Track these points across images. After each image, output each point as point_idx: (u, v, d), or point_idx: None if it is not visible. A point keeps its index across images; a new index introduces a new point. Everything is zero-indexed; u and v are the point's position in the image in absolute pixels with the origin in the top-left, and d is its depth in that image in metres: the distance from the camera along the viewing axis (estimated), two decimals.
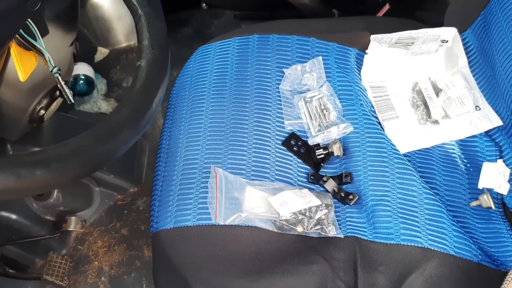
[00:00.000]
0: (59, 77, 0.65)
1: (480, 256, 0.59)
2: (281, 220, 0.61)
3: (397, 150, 0.67)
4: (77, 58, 0.83)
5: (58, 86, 0.66)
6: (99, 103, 1.27)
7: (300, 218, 0.62)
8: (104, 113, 1.25)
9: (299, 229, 0.61)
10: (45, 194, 0.99)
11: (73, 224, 1.05)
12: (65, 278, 1.00)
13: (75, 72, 1.20)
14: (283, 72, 0.76)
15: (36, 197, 0.98)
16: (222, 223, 0.60)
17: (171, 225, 0.64)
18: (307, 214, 0.62)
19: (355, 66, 0.75)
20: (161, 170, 0.71)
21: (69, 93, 0.71)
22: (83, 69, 1.24)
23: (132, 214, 1.10)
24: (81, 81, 1.22)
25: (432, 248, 0.59)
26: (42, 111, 0.70)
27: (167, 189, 0.68)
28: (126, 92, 0.53)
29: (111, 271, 1.05)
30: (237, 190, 0.62)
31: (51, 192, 0.99)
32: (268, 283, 0.57)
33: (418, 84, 0.73)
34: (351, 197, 0.65)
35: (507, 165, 0.67)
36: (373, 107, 0.73)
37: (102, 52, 1.34)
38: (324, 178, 0.67)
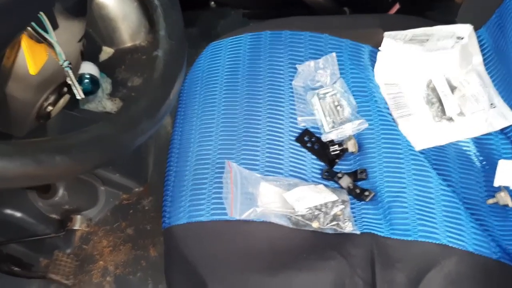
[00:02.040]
0: (70, 71, 0.65)
1: (499, 254, 0.58)
2: (296, 215, 0.60)
3: (412, 147, 0.67)
4: (84, 56, 0.83)
5: (68, 80, 0.65)
6: (104, 103, 1.26)
7: (316, 213, 0.61)
8: (109, 112, 1.25)
9: (315, 224, 0.60)
10: (50, 192, 0.98)
11: (78, 223, 1.04)
12: (71, 277, 0.99)
13: (80, 71, 1.20)
14: (296, 68, 0.75)
15: (41, 195, 0.97)
16: (238, 218, 0.59)
17: (184, 221, 0.63)
18: (323, 209, 0.61)
19: (369, 63, 0.75)
20: (173, 165, 0.71)
21: (78, 87, 0.70)
22: (88, 68, 1.24)
23: (138, 213, 1.09)
24: (86, 80, 1.22)
25: (450, 245, 0.58)
26: (50, 107, 0.70)
27: (179, 184, 0.67)
28: (144, 82, 0.53)
29: (116, 271, 1.04)
30: (251, 185, 0.61)
31: (57, 190, 0.98)
32: (286, 279, 0.57)
33: (432, 82, 0.72)
34: (366, 193, 0.64)
35: None
36: (387, 104, 0.72)
37: (107, 52, 1.34)
38: (339, 175, 0.66)
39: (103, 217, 1.08)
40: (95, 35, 1.30)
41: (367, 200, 0.64)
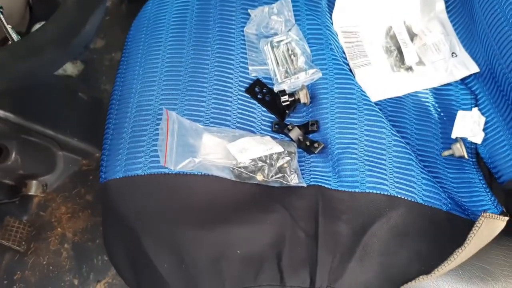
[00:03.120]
0: (2, 16, 0.59)
1: (449, 205, 0.55)
2: (239, 167, 0.56)
3: (367, 98, 0.63)
4: (34, 11, 0.77)
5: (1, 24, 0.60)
6: (65, 66, 1.20)
7: (260, 165, 0.57)
8: (70, 76, 1.19)
9: (259, 177, 0.56)
10: (2, 156, 0.93)
11: (33, 189, 0.99)
12: (23, 243, 0.94)
13: None
14: (248, 14, 0.70)
15: None
16: (173, 169, 0.55)
17: (120, 175, 0.59)
18: (267, 161, 0.57)
19: (326, 9, 0.70)
20: (112, 117, 0.66)
21: (12, 33, 0.65)
22: None
23: (98, 180, 1.04)
24: None
25: (399, 196, 0.55)
26: None
27: (118, 137, 0.62)
28: (58, 8, 0.47)
29: (74, 238, 1.00)
30: (192, 137, 0.57)
31: (9, 154, 0.93)
32: (223, 232, 0.53)
33: (392, 29, 0.68)
34: (316, 145, 0.60)
35: (482, 114, 0.63)
36: (344, 53, 0.68)
37: None
38: (289, 127, 0.62)
39: (61, 183, 1.04)
40: None
41: (316, 152, 0.60)
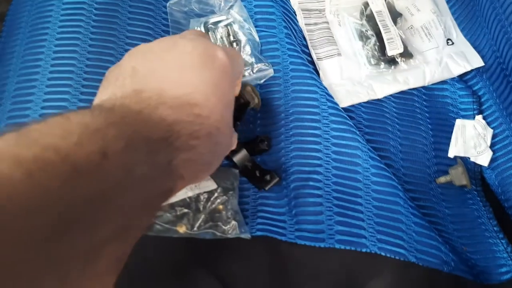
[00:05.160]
0: None
1: (452, 263, 0.39)
2: None
3: (335, 103, 0.45)
4: None
5: None
6: None
7: (181, 212, 0.39)
8: None
9: (180, 229, 0.39)
10: None
11: None
12: None
13: None
14: None
15: None
16: None
17: None
18: (192, 205, 0.39)
19: None
20: None
21: None
22: None
23: None
24: None
25: (383, 254, 0.39)
26: None
27: None
28: None
29: None
30: None
31: None
32: None
33: (369, 6, 0.50)
34: (268, 177, 0.42)
35: (488, 124, 0.47)
36: (304, 40, 0.50)
37: None
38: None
39: None
40: None
41: (267, 188, 0.42)
